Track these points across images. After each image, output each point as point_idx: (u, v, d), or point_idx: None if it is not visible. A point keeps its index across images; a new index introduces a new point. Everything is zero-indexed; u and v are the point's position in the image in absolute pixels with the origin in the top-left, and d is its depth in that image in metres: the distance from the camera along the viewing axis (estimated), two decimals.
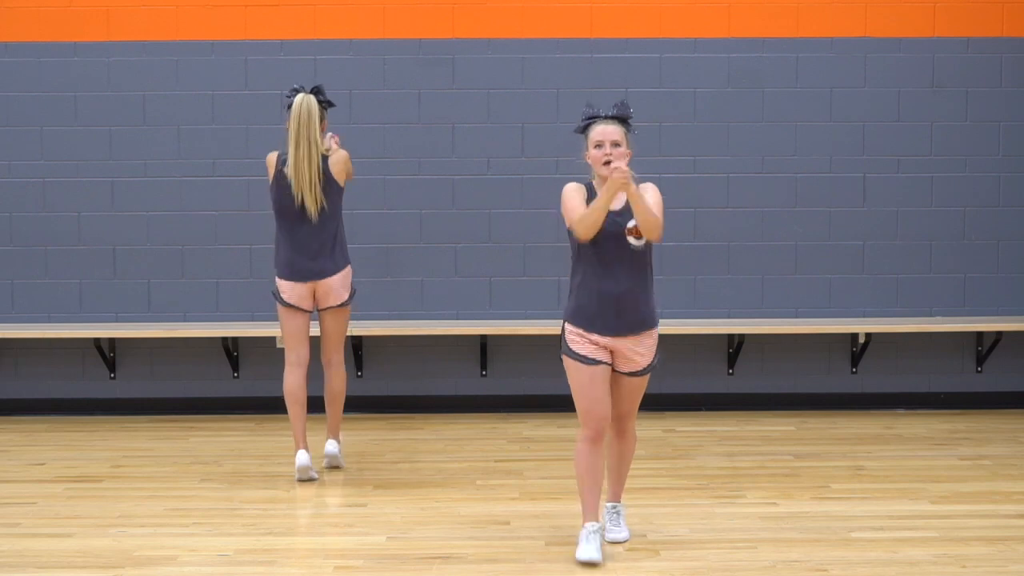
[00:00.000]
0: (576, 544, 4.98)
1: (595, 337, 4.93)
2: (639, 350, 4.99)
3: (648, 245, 4.96)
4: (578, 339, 4.95)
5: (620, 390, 5.06)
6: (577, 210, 4.91)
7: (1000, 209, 8.16)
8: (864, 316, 8.17)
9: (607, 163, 4.88)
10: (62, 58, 8.00)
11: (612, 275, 4.90)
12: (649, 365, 5.05)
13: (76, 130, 8.04)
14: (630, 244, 4.89)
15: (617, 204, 4.93)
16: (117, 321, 8.09)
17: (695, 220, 8.09)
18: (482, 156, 8.09)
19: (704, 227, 8.11)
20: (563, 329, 5.02)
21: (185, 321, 8.09)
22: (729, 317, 8.14)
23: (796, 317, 8.15)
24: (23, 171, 8.05)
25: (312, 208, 6.20)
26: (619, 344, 4.95)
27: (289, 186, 6.22)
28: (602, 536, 5.07)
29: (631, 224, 4.88)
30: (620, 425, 5.16)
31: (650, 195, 4.93)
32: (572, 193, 4.99)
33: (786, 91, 8.10)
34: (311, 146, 6.19)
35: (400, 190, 8.05)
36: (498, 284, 8.13)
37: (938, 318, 8.12)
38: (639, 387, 5.09)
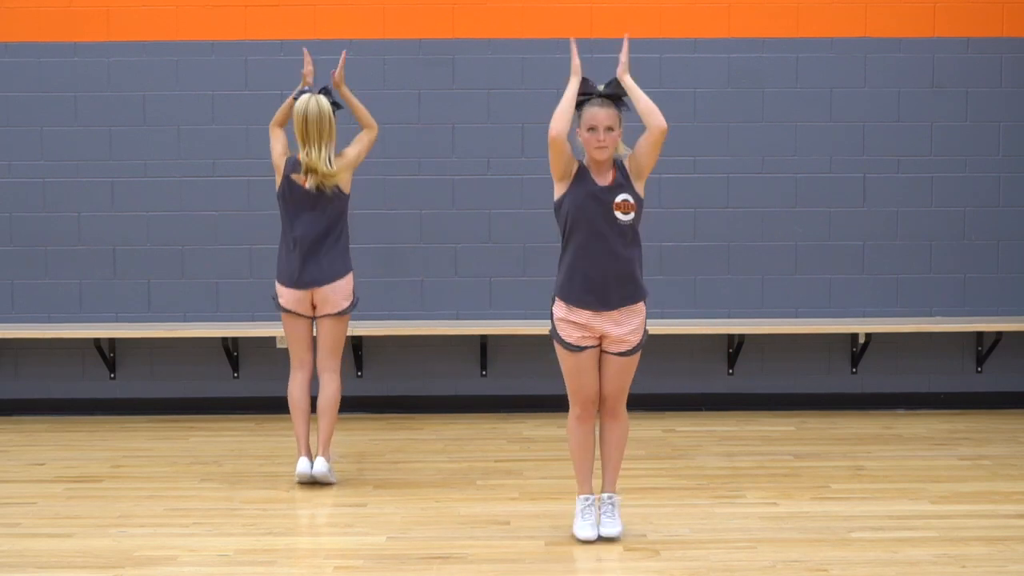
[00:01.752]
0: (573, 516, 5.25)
1: (582, 316, 4.99)
2: (626, 329, 5.03)
3: (637, 220, 5.01)
4: (565, 326, 5.03)
5: (609, 370, 5.11)
6: (557, 163, 4.97)
7: (1000, 209, 8.16)
8: (864, 316, 8.17)
9: (599, 147, 4.96)
10: (62, 58, 8.00)
11: (601, 250, 4.96)
12: (638, 344, 5.09)
13: (76, 130, 8.04)
14: (618, 219, 4.95)
15: (604, 180, 4.99)
16: (117, 321, 8.09)
17: (695, 220, 8.09)
18: (482, 156, 8.09)
19: (704, 227, 8.11)
20: (551, 308, 5.09)
21: (185, 321, 8.09)
22: (729, 317, 8.14)
23: (796, 317, 8.14)
24: (23, 171, 8.05)
25: (324, 183, 6.07)
26: (607, 324, 5.01)
27: (298, 185, 6.11)
28: (597, 514, 5.20)
29: (620, 198, 4.95)
30: (611, 406, 5.19)
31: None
32: None
33: (786, 91, 8.10)
34: (322, 137, 6.05)
35: (400, 190, 8.05)
36: (498, 284, 8.13)
37: (938, 318, 8.12)
38: (628, 367, 5.12)
